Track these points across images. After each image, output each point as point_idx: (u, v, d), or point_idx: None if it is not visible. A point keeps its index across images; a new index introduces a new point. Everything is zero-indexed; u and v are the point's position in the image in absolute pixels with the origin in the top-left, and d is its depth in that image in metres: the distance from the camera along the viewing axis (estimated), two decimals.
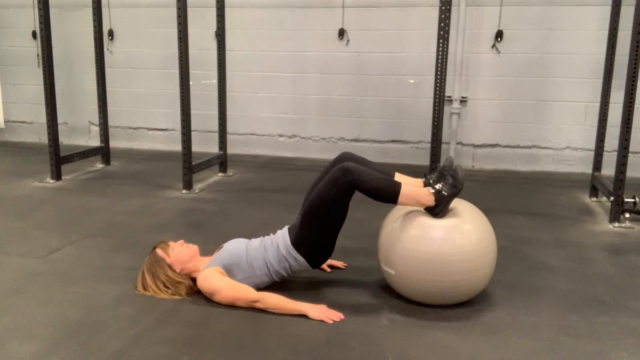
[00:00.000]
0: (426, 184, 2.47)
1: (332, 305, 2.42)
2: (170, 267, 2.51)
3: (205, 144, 5.56)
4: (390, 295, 2.55)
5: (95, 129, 6.06)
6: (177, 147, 4.77)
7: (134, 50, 5.96)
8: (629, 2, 3.67)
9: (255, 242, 2.62)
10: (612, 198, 3.66)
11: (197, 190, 4.39)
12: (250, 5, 5.57)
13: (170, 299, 2.46)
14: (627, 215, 3.63)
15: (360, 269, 2.86)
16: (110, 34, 5.93)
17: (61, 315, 2.35)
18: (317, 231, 2.48)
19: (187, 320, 2.31)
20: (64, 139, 5.83)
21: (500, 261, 2.60)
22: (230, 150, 5.27)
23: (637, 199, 3.61)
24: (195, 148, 4.42)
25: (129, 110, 6.11)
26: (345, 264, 2.90)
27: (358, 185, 2.37)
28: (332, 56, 5.49)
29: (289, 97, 5.69)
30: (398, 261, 2.39)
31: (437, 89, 3.80)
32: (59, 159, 4.66)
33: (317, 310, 2.34)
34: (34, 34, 6.06)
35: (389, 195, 2.38)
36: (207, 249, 2.68)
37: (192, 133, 4.37)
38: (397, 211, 2.52)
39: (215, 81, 4.97)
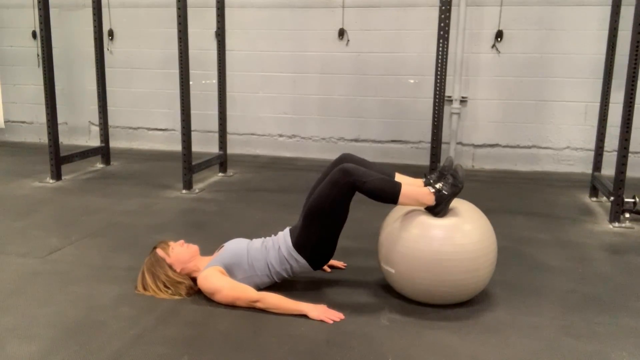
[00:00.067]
0: (426, 184, 2.47)
1: (332, 305, 2.42)
2: (170, 267, 2.51)
3: (205, 144, 5.56)
4: (390, 295, 2.55)
5: (95, 129, 6.06)
6: (177, 147, 4.77)
7: (134, 50, 5.96)
8: (629, 2, 3.67)
9: (257, 242, 2.62)
10: (612, 198, 3.66)
11: (197, 190, 4.39)
12: (250, 5, 5.57)
13: (170, 299, 2.46)
14: (627, 215, 3.63)
15: (360, 269, 2.86)
16: (110, 34, 5.93)
17: (61, 315, 2.35)
18: (318, 232, 2.48)
19: (187, 320, 2.31)
20: (64, 139, 5.83)
21: (500, 261, 2.60)
22: (230, 150, 5.27)
23: (637, 199, 3.61)
24: (195, 148, 4.42)
25: (129, 110, 6.11)
26: (345, 264, 2.90)
27: (358, 186, 2.38)
28: (332, 56, 5.49)
29: (289, 97, 5.69)
30: (398, 260, 2.39)
31: (437, 89, 3.80)
32: (59, 159, 4.66)
33: (317, 310, 2.34)
34: (34, 34, 6.06)
35: (390, 195, 2.39)
36: (207, 249, 2.68)
37: (192, 133, 4.37)
38: (398, 211, 2.52)
39: (215, 81, 4.97)
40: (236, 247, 2.58)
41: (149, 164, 5.40)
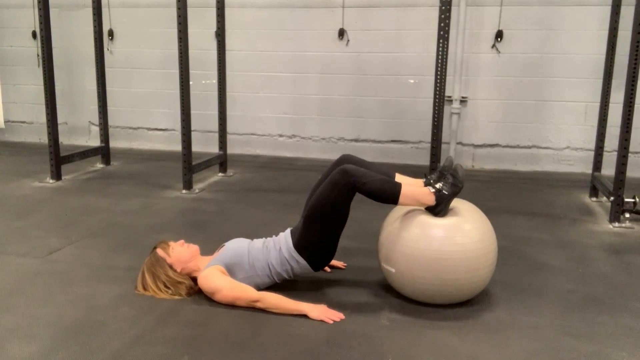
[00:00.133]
0: (426, 184, 2.48)
1: (332, 305, 2.42)
2: (171, 267, 2.51)
3: (205, 144, 5.56)
4: (391, 295, 2.55)
5: (95, 129, 6.06)
6: (177, 147, 4.77)
7: (134, 50, 5.96)
8: (629, 2, 3.66)
9: (258, 242, 2.62)
10: (612, 198, 3.66)
11: (197, 190, 4.39)
12: (250, 5, 5.57)
13: (170, 299, 2.46)
14: (627, 215, 3.63)
15: (360, 269, 2.86)
16: (110, 34, 5.93)
17: (61, 315, 2.35)
18: (319, 234, 2.49)
19: (187, 320, 2.31)
20: (64, 139, 5.83)
21: (500, 261, 2.60)
22: (230, 150, 5.27)
23: (637, 199, 3.61)
24: (195, 148, 4.42)
25: (129, 110, 6.11)
26: (345, 264, 2.90)
27: (358, 186, 2.38)
28: (332, 56, 5.49)
29: (289, 97, 5.69)
30: (399, 259, 2.39)
31: (437, 89, 3.80)
32: (59, 159, 4.66)
33: (317, 310, 2.34)
34: (34, 34, 6.06)
35: (390, 195, 2.39)
36: (207, 249, 2.68)
37: (192, 133, 4.37)
38: (398, 210, 2.52)
39: (215, 81, 4.97)
40: (237, 246, 2.59)
41: (149, 164, 5.40)
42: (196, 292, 2.52)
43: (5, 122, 6.41)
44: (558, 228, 3.59)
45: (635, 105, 3.57)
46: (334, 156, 2.75)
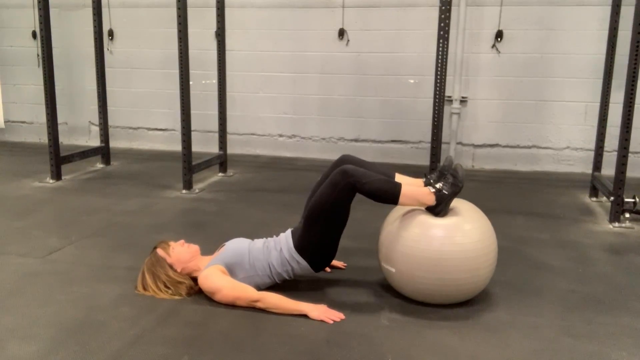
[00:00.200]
0: (426, 184, 2.48)
1: (333, 305, 2.42)
2: (171, 267, 2.51)
3: (205, 144, 5.56)
4: (391, 294, 2.55)
5: (95, 129, 6.06)
6: (177, 147, 4.77)
7: (134, 50, 5.96)
8: (629, 2, 3.66)
9: (258, 242, 2.62)
10: (612, 198, 3.66)
11: (197, 190, 4.39)
12: (250, 5, 5.57)
13: (171, 299, 2.46)
14: (627, 215, 3.63)
15: (360, 268, 2.86)
16: (110, 34, 5.93)
17: (61, 315, 2.35)
18: (320, 235, 2.49)
19: (187, 320, 2.31)
20: (64, 139, 5.83)
21: (500, 261, 2.60)
22: (230, 150, 5.27)
23: (637, 199, 3.61)
24: (195, 148, 4.42)
25: (129, 110, 6.11)
26: (345, 264, 2.90)
27: (358, 187, 2.38)
28: (332, 56, 5.49)
29: (289, 97, 5.69)
30: (399, 259, 2.39)
31: (437, 89, 3.80)
32: (59, 159, 4.66)
33: (317, 310, 2.34)
34: (34, 34, 6.06)
35: (390, 195, 2.39)
36: (207, 249, 2.67)
37: (192, 133, 4.37)
38: (398, 210, 2.52)
39: (215, 81, 4.97)
40: (237, 246, 2.59)
41: (149, 164, 5.40)
42: (196, 292, 2.52)
43: (5, 122, 6.41)
44: (558, 228, 3.59)
45: (635, 105, 3.57)
46: (334, 156, 2.75)
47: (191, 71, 4.33)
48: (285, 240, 2.56)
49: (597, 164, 4.28)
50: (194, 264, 2.55)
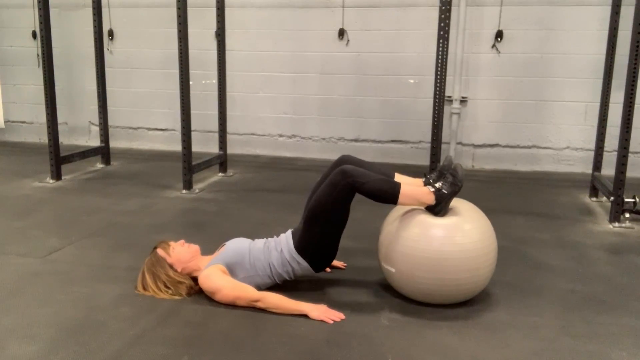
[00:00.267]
0: (426, 183, 2.48)
1: (333, 305, 2.42)
2: (171, 267, 2.51)
3: (205, 144, 5.56)
4: (391, 294, 2.55)
5: (95, 129, 6.06)
6: (177, 147, 4.77)
7: (134, 50, 5.96)
8: (629, 2, 3.66)
9: (259, 243, 2.62)
10: (612, 198, 3.66)
11: (197, 190, 4.39)
12: (250, 5, 5.57)
13: (171, 299, 2.46)
14: (627, 215, 3.63)
15: (360, 268, 2.86)
16: (110, 34, 5.93)
17: (61, 315, 2.35)
18: (320, 235, 2.49)
19: (187, 320, 2.31)
20: (64, 139, 5.83)
21: (500, 261, 2.60)
22: (230, 150, 5.27)
23: (637, 199, 3.61)
24: (195, 148, 4.42)
25: (129, 110, 6.11)
26: (345, 264, 2.90)
27: (357, 187, 2.38)
28: (332, 56, 5.49)
29: (289, 97, 5.69)
30: (399, 259, 2.39)
31: (437, 89, 3.80)
32: (59, 159, 4.66)
33: (317, 310, 2.34)
34: (34, 34, 6.06)
35: (389, 195, 2.39)
36: (207, 249, 2.67)
37: (192, 133, 4.37)
38: (398, 210, 2.52)
39: (215, 81, 4.97)
40: (238, 246, 2.59)
41: (149, 164, 5.40)
42: (196, 292, 2.52)
43: (5, 122, 6.41)
44: (558, 228, 3.59)
45: (635, 105, 3.57)
46: (334, 156, 2.75)
47: (191, 71, 4.33)
48: (285, 240, 2.56)
49: (597, 164, 4.28)
50: (194, 264, 2.55)
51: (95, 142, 5.76)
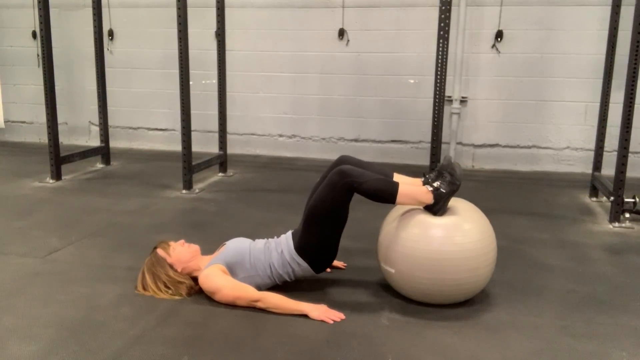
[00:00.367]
0: (425, 183, 2.48)
1: (333, 305, 2.42)
2: (171, 267, 2.51)
3: (205, 144, 5.56)
4: (391, 294, 2.55)
5: (95, 129, 6.06)
6: (177, 147, 4.77)
7: (134, 50, 5.96)
8: (629, 2, 3.66)
9: (259, 243, 2.62)
10: (612, 198, 3.66)
11: (197, 190, 4.39)
12: (250, 5, 5.57)
13: (171, 299, 2.46)
14: (627, 215, 3.63)
15: (360, 268, 2.86)
16: (110, 34, 5.93)
17: (61, 315, 2.35)
18: (319, 236, 2.49)
19: (187, 320, 2.31)
20: (64, 139, 5.83)
21: (500, 261, 2.60)
22: (230, 150, 5.27)
23: (637, 199, 3.61)
24: (195, 148, 4.42)
25: (129, 110, 6.11)
26: (345, 264, 2.90)
27: (356, 187, 2.38)
28: (332, 56, 5.49)
29: (289, 97, 5.69)
30: (398, 260, 2.39)
31: (437, 89, 3.80)
32: (59, 159, 4.66)
33: (317, 311, 2.34)
34: (34, 34, 6.06)
35: (387, 195, 2.39)
36: (207, 249, 2.67)
37: (192, 133, 4.37)
38: (397, 210, 2.52)
39: (215, 81, 4.97)
40: (238, 245, 2.59)
41: (149, 164, 5.40)
42: (196, 292, 2.52)
43: (5, 122, 6.41)
44: (558, 228, 3.59)
45: (635, 105, 3.57)
46: (334, 156, 2.75)
47: (191, 71, 4.33)
48: (285, 242, 2.56)
49: (597, 164, 4.28)
50: (194, 264, 2.55)
51: (95, 142, 5.76)
